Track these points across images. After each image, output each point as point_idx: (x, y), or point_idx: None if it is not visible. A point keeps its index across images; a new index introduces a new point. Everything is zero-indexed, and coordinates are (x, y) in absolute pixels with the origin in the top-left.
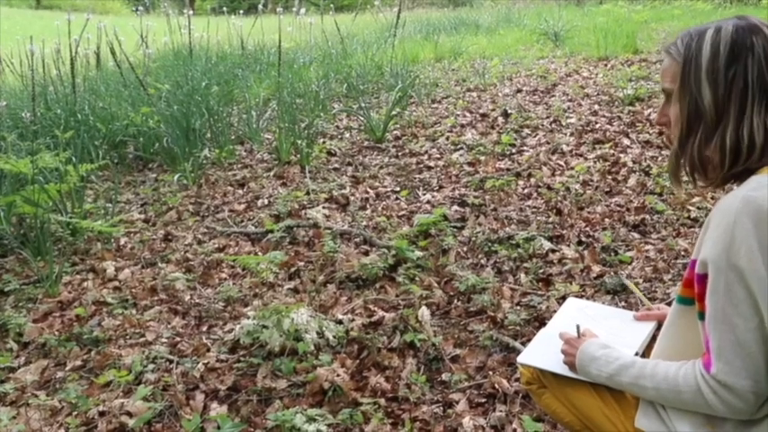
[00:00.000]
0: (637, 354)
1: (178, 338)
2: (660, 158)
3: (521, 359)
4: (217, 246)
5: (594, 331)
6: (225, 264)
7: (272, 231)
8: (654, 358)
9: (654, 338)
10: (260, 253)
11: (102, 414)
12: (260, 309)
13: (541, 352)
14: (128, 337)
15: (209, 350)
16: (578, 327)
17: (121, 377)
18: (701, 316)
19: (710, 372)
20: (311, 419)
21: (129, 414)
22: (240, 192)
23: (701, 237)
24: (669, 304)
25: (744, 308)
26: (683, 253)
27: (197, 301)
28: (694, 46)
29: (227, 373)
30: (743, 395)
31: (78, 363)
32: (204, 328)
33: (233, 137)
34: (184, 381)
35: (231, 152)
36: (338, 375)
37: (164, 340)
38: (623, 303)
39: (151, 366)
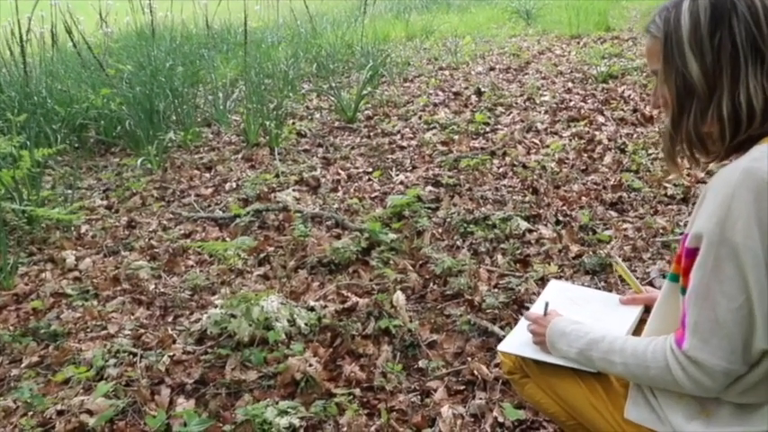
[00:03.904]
0: None
1: (142, 330)
2: (635, 135)
3: (501, 347)
4: (183, 232)
5: (578, 316)
6: (191, 251)
7: (239, 216)
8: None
9: (642, 322)
10: (228, 238)
11: (60, 413)
12: (228, 297)
13: (523, 339)
14: (88, 330)
15: (174, 342)
16: (546, 304)
17: (81, 373)
18: (684, 291)
19: (682, 347)
20: (283, 412)
21: (90, 412)
22: (207, 175)
23: (695, 210)
24: (650, 285)
25: (730, 286)
26: (661, 231)
27: (162, 290)
28: (672, 18)
29: (193, 365)
30: (713, 374)
31: (35, 359)
32: (170, 319)
33: (199, 119)
34: (149, 375)
35: (197, 135)
36: (311, 365)
37: (127, 332)
38: (603, 283)
39: (113, 361)
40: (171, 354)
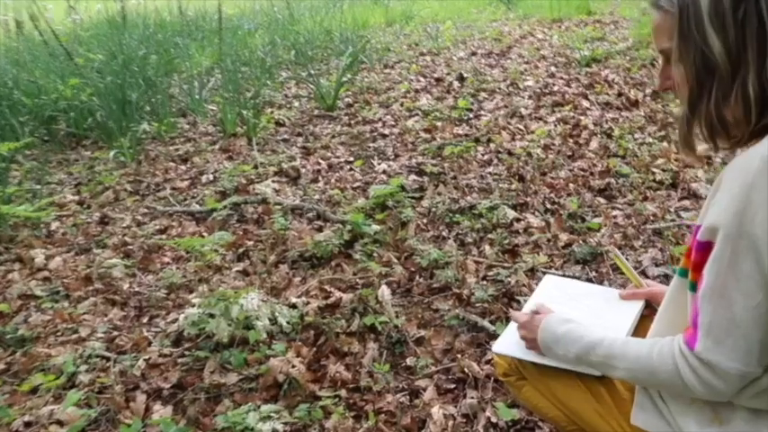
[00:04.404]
0: None
1: (116, 333)
2: (621, 120)
3: (496, 348)
4: (158, 227)
5: (577, 313)
6: (167, 247)
7: (217, 209)
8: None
9: (644, 318)
10: (205, 233)
11: (27, 425)
12: (206, 295)
13: (518, 339)
14: (58, 333)
15: (150, 344)
16: (534, 306)
17: (50, 381)
18: (693, 287)
19: (694, 348)
20: (265, 417)
21: (60, 423)
22: (183, 168)
23: (707, 201)
24: (643, 274)
25: (748, 283)
26: (651, 218)
27: (137, 289)
28: None
29: (170, 369)
30: (727, 377)
31: (0, 367)
32: (145, 320)
33: (174, 109)
34: (123, 380)
35: (172, 125)
36: (293, 366)
37: (99, 335)
38: (594, 273)
39: (85, 367)
40: (146, 357)
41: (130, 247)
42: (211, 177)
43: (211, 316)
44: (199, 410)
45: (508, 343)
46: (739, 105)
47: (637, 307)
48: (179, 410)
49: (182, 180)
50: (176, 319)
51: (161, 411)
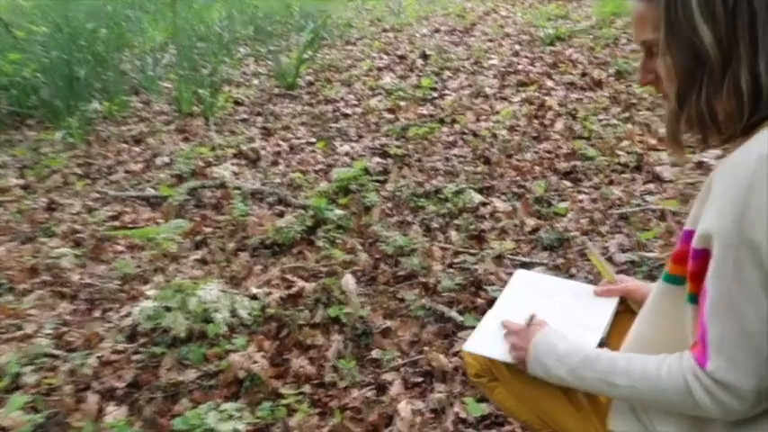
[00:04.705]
0: (602, 339)
1: (65, 328)
2: (585, 101)
3: (467, 347)
4: (110, 213)
5: (549, 310)
6: (121, 234)
7: (172, 195)
8: (629, 348)
9: (619, 315)
10: (161, 220)
11: None
12: (162, 286)
13: (491, 338)
14: (1, 330)
15: (102, 340)
16: (532, 317)
17: None
18: (692, 299)
19: (707, 368)
20: (227, 417)
21: (3, 429)
22: (137, 149)
23: (698, 202)
24: (610, 261)
25: (755, 292)
26: (617, 202)
27: (87, 280)
28: None
29: (125, 366)
30: (743, 395)
31: None
32: (97, 314)
33: (126, 87)
34: (73, 380)
35: (124, 104)
36: (255, 362)
37: (47, 332)
38: (561, 260)
39: (30, 367)
40: (99, 354)
41: (80, 235)
42: (167, 160)
43: (168, 309)
44: (155, 410)
45: (481, 343)
46: (731, 100)
47: (612, 304)
48: (134, 411)
49: (135, 163)
50: (130, 313)
51: (115, 413)
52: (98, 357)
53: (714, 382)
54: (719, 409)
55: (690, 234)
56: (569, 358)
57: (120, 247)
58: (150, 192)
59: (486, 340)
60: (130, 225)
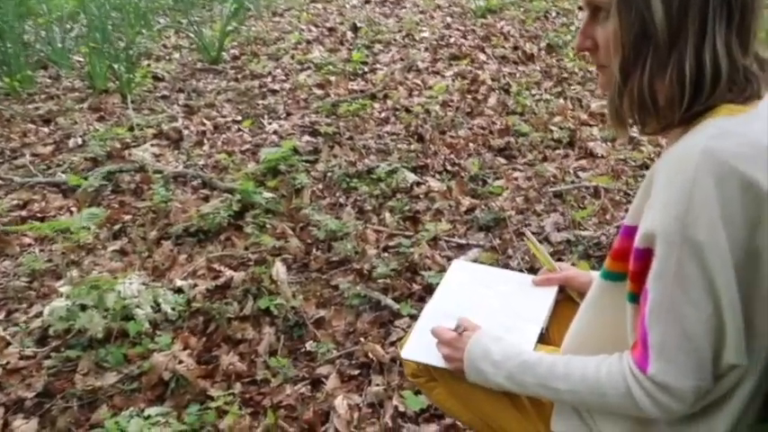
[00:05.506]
0: (542, 330)
1: None
2: (518, 75)
3: (404, 354)
4: (16, 202)
5: (488, 302)
6: (27, 227)
7: (80, 184)
8: (569, 345)
9: (558, 304)
10: (74, 208)
11: None
12: (76, 281)
13: (427, 342)
14: None
15: (8, 345)
16: (460, 324)
17: None
18: (633, 298)
19: (647, 372)
20: (152, 423)
21: None
22: (45, 130)
23: (639, 197)
24: (547, 241)
25: (696, 293)
26: (552, 179)
27: None
28: None
29: (34, 373)
30: (683, 396)
31: None
32: (1, 316)
33: (32, 60)
34: None
35: (30, 79)
36: (181, 362)
37: None
38: (498, 240)
39: None
40: (3, 362)
41: None
42: (80, 141)
43: (83, 307)
44: (71, 421)
45: (417, 347)
46: (673, 84)
47: (551, 293)
48: (46, 423)
49: (44, 145)
50: (40, 313)
51: (23, 427)
52: (2, 366)
53: (654, 384)
54: (659, 410)
55: (629, 230)
56: (506, 364)
57: (28, 240)
58: (61, 177)
59: (421, 344)
60: (39, 215)
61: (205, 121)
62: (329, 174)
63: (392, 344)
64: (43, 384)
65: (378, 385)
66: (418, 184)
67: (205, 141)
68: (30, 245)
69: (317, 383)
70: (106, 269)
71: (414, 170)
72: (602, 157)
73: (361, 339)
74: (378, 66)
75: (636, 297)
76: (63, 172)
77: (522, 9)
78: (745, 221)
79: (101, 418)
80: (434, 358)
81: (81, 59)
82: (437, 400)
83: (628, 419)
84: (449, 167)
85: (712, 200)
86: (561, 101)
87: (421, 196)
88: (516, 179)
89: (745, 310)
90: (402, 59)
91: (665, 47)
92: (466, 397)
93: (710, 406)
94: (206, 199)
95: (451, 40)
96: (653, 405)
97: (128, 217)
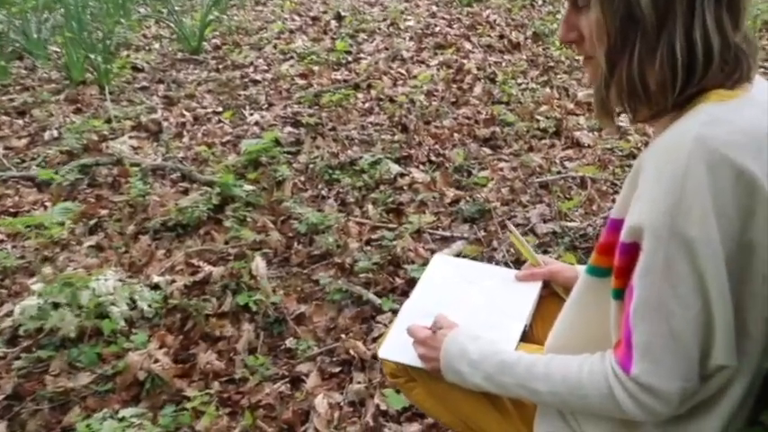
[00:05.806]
0: (526, 326)
1: None
2: (504, 64)
3: (382, 354)
4: None
5: (470, 298)
6: None
7: (57, 177)
8: (553, 343)
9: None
10: (49, 203)
11: None
12: (50, 278)
13: (405, 341)
14: None
15: None
16: (436, 322)
17: None
18: (617, 294)
19: (630, 373)
20: (126, 425)
21: None
22: (19, 122)
23: (626, 188)
24: (533, 233)
25: (685, 290)
26: (538, 169)
27: None
28: None
29: (4, 375)
30: (668, 398)
31: None
32: None
33: (7, 51)
34: None
35: (4, 70)
36: (157, 360)
37: None
38: (483, 232)
39: None
40: None
41: None
42: (55, 134)
43: (56, 306)
44: (41, 424)
45: (395, 346)
46: (664, 68)
47: (535, 289)
48: (15, 426)
49: (18, 138)
50: (11, 312)
51: None
52: None
53: (638, 385)
54: (642, 412)
55: (616, 223)
56: (484, 364)
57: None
58: (35, 171)
59: (399, 343)
60: (12, 210)
61: (185, 112)
62: (311, 165)
63: (374, 340)
64: (12, 386)
65: (359, 383)
66: (402, 175)
67: (185, 133)
68: (2, 241)
69: (296, 382)
70: (81, 265)
71: (397, 161)
72: (589, 146)
73: (343, 336)
74: (362, 55)
75: (620, 293)
76: (38, 165)
77: None
78: (737, 212)
79: (73, 421)
80: (412, 358)
81: (57, 50)
82: (416, 400)
83: (613, 421)
84: (433, 158)
85: (704, 189)
86: (547, 90)
87: (405, 188)
88: (502, 170)
89: (736, 308)
90: (386, 49)
91: (653, 29)
92: (445, 398)
93: (698, 408)
94: (185, 192)
95: (437, 28)
96: (636, 407)
97: (104, 211)
